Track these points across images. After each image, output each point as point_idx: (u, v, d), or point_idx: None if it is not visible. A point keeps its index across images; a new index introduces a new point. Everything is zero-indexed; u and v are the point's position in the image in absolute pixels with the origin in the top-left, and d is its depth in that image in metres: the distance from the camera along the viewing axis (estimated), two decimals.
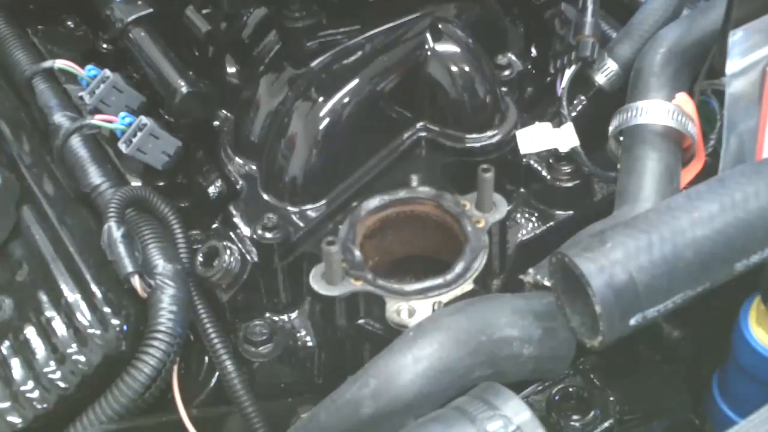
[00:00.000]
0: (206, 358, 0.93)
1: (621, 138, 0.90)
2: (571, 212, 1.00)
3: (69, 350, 0.83)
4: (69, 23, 1.18)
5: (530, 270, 0.84)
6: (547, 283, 0.84)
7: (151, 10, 1.08)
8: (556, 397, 0.87)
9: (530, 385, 0.87)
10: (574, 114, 1.01)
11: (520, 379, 0.75)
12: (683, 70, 0.92)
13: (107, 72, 1.02)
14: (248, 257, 0.94)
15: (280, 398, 0.94)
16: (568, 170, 0.99)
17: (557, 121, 1.00)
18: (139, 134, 0.96)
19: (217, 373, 0.91)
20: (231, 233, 0.96)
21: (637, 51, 0.98)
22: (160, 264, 0.86)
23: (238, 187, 1.00)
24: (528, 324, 0.72)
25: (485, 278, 0.91)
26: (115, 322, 0.84)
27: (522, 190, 1.02)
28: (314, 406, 0.73)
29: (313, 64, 0.99)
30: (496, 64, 1.06)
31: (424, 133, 1.00)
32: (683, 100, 0.88)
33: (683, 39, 0.93)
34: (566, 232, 0.77)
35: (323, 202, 0.97)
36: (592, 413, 0.86)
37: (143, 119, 0.97)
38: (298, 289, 0.96)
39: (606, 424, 0.86)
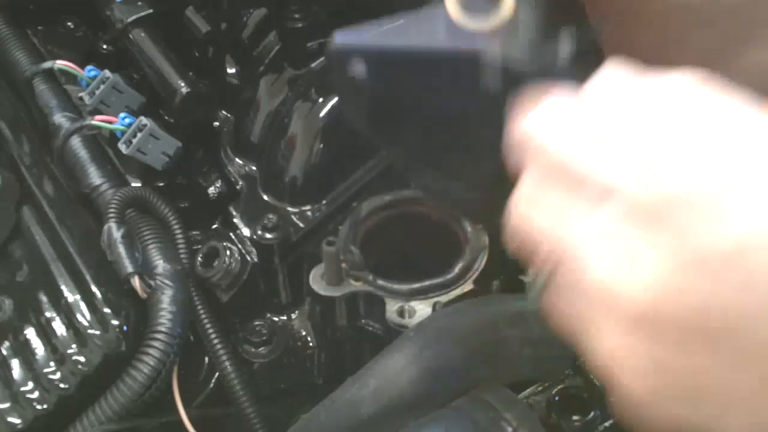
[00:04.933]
0: (206, 358, 0.93)
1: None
2: None
3: (69, 351, 0.83)
4: (69, 24, 1.18)
5: (530, 270, 0.84)
6: None
7: (151, 10, 1.08)
8: (556, 398, 0.87)
9: (530, 386, 0.87)
10: None
11: (519, 379, 0.75)
12: None
13: (107, 73, 1.02)
14: (248, 258, 0.94)
15: (280, 399, 0.94)
16: None
17: None
18: (139, 135, 0.96)
19: (217, 374, 0.91)
20: (231, 234, 0.96)
21: None
22: (160, 264, 0.86)
23: (238, 187, 1.00)
24: (528, 324, 0.72)
25: (485, 279, 0.91)
26: (115, 322, 0.84)
27: None
28: (314, 406, 0.73)
29: (313, 64, 0.99)
30: None
31: None
32: None
33: None
34: None
35: (323, 202, 0.97)
36: (592, 413, 0.86)
37: (143, 120, 0.97)
38: (298, 289, 0.96)
39: (606, 424, 0.86)
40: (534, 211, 0.43)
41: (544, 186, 0.43)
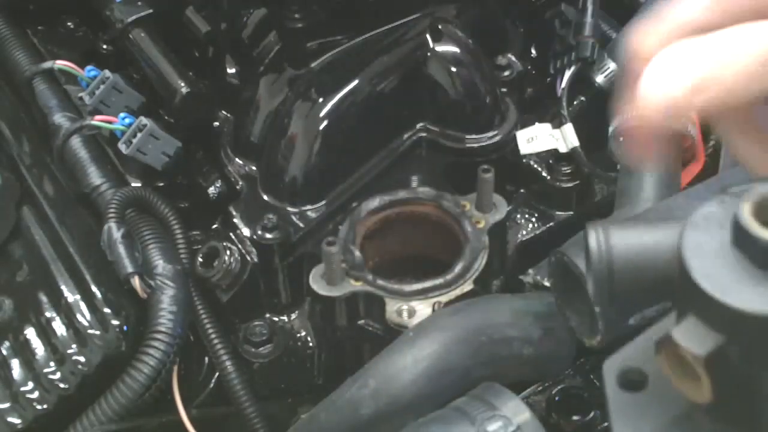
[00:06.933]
0: (206, 358, 0.93)
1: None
2: (571, 212, 1.00)
3: (69, 351, 0.83)
4: (69, 24, 1.18)
5: (530, 270, 0.84)
6: (546, 283, 0.84)
7: (151, 10, 1.08)
8: (556, 397, 0.87)
9: (530, 386, 0.87)
10: (574, 114, 1.01)
11: (520, 379, 0.75)
12: None
13: (107, 73, 1.02)
14: (248, 258, 0.94)
15: (280, 398, 0.94)
16: (568, 171, 0.99)
17: (557, 121, 1.00)
18: (139, 135, 0.96)
19: (217, 374, 0.91)
20: (231, 234, 0.96)
21: None
22: (160, 264, 0.86)
23: (238, 187, 1.00)
24: (528, 324, 0.72)
25: (485, 279, 0.91)
26: (115, 322, 0.84)
27: (522, 190, 1.02)
28: (314, 406, 0.73)
29: (313, 64, 0.99)
30: (496, 64, 1.06)
31: (424, 134, 1.00)
32: None
33: None
34: (566, 233, 0.77)
35: (323, 202, 0.97)
36: (592, 413, 0.86)
37: (143, 120, 0.97)
38: (298, 289, 0.96)
39: (606, 424, 0.86)
40: None
41: None
